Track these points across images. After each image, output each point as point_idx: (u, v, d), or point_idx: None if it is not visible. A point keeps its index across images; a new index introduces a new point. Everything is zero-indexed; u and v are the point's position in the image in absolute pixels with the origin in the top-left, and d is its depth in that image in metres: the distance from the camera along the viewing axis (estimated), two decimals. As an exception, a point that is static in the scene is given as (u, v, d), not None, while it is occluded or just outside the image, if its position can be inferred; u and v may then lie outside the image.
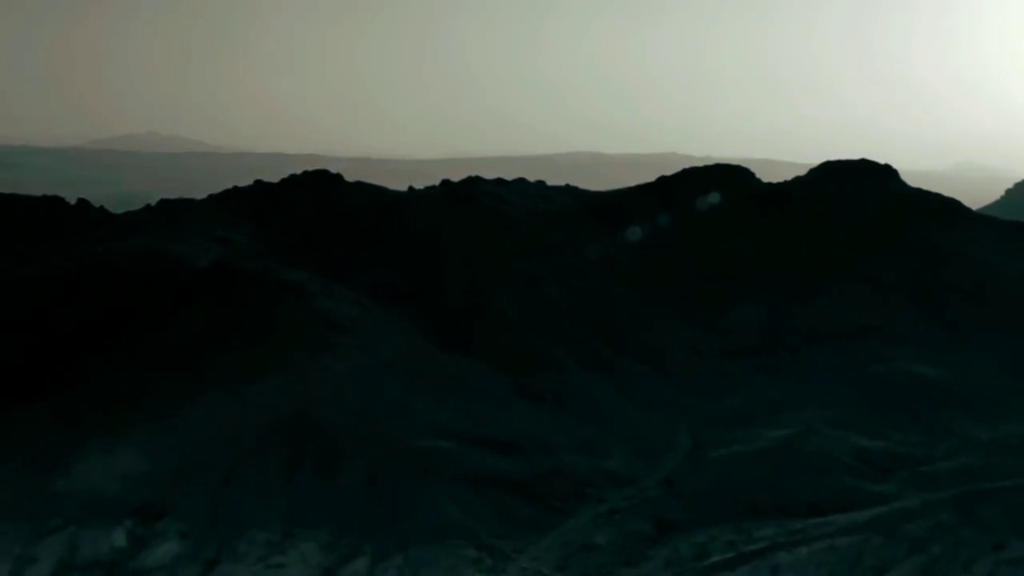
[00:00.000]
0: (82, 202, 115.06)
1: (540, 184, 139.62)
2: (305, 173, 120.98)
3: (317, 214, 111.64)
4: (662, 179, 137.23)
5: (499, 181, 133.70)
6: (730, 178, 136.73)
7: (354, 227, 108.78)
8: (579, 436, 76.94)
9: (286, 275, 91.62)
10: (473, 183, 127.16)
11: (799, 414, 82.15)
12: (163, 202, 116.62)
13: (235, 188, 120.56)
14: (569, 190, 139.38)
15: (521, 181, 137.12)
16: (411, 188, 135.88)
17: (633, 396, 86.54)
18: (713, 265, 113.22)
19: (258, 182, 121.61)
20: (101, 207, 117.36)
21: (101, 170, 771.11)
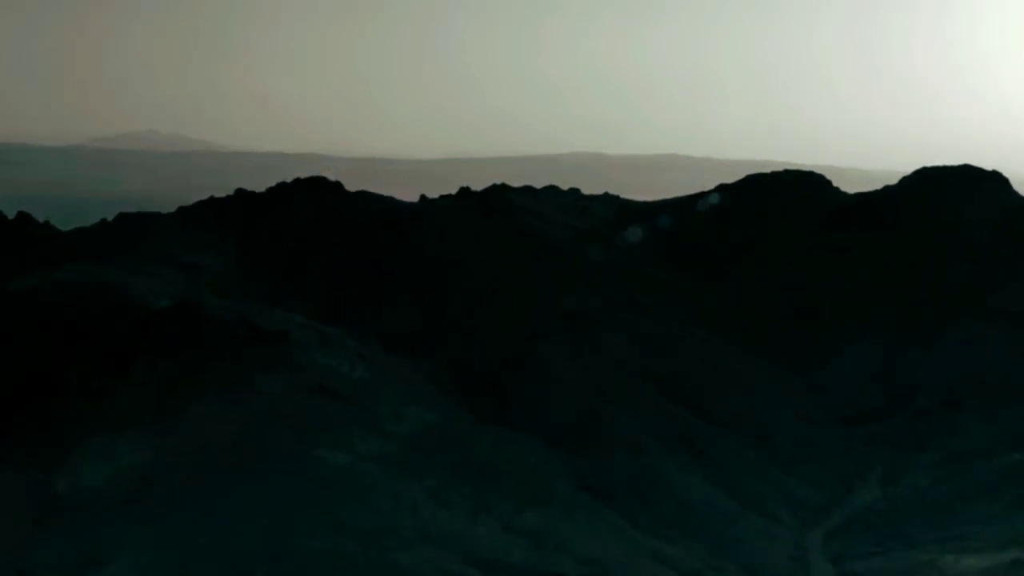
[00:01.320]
0: (22, 216, 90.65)
1: (574, 192, 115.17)
2: (298, 181, 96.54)
3: (311, 233, 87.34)
4: (722, 188, 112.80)
5: (527, 189, 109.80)
6: (801, 186, 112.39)
7: (357, 250, 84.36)
8: (677, 563, 52.92)
9: (268, 319, 67.09)
10: (498, 193, 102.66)
11: (971, 524, 58.12)
12: (121, 217, 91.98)
13: (211, 199, 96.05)
14: (609, 199, 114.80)
15: (553, 190, 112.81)
16: (423, 198, 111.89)
17: (733, 488, 62.31)
18: (803, 297, 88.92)
19: (240, 191, 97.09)
20: (46, 222, 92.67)
21: (100, 169, 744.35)
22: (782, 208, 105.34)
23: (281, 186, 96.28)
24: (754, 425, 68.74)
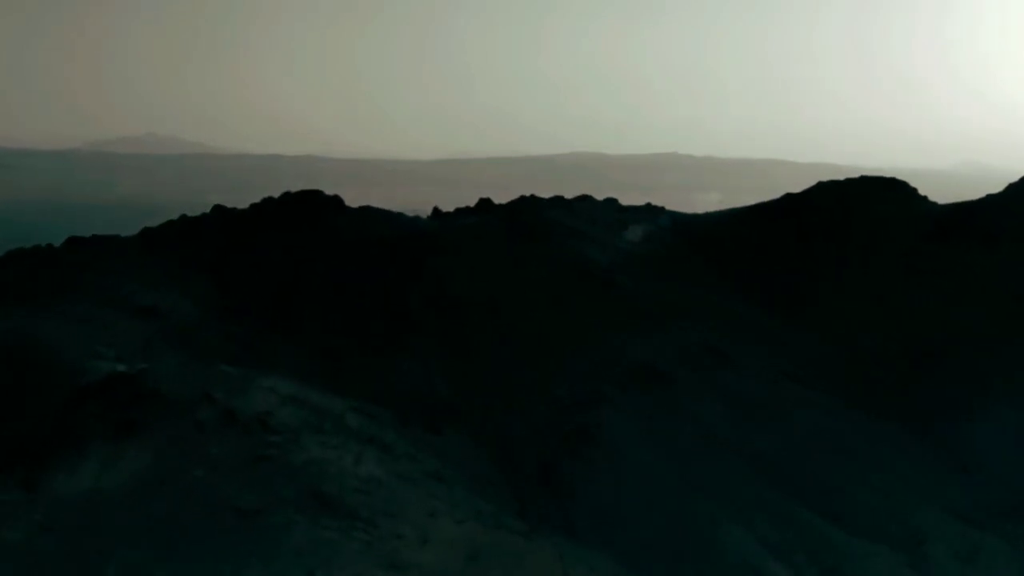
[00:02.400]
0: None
1: (610, 203, 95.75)
2: (287, 196, 76.99)
3: (304, 262, 68.12)
4: (789, 198, 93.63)
5: (558, 201, 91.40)
6: (883, 195, 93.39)
7: (361, 286, 65.24)
8: None
9: (243, 394, 48.14)
10: (529, 208, 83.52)
11: None
12: (71, 243, 72.66)
13: (183, 219, 76.78)
14: (653, 212, 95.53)
15: (587, 200, 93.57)
16: (437, 212, 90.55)
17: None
18: (914, 337, 70.00)
19: (218, 209, 77.70)
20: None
21: (97, 172, 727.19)
22: (866, 222, 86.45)
23: (267, 202, 76.44)
24: (902, 528, 49.76)
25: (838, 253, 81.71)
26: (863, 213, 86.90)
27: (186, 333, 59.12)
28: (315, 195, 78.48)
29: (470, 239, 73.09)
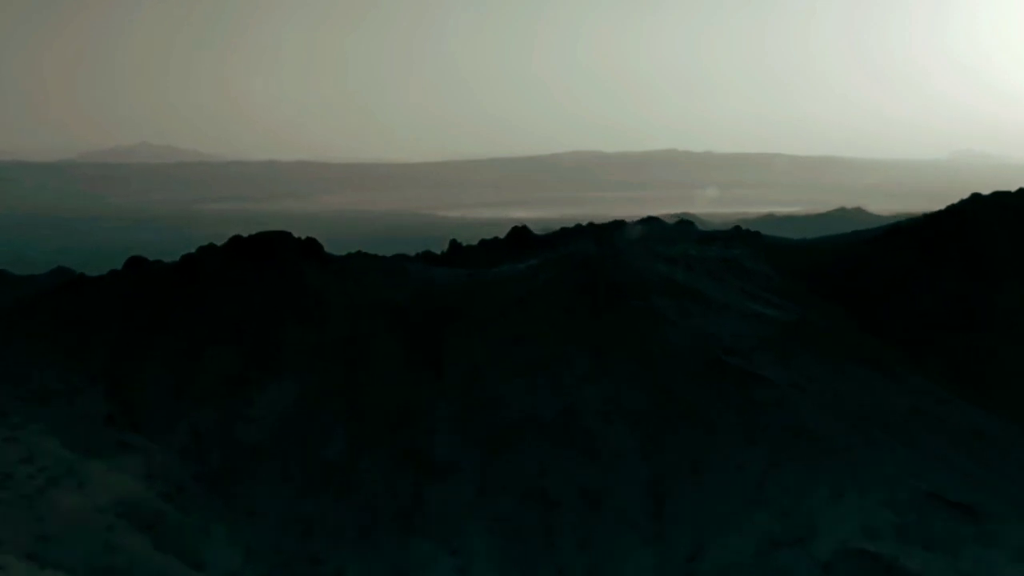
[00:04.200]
0: None
1: (686, 227, 76.53)
2: (238, 243, 53.25)
3: (260, 357, 46.15)
4: (928, 219, 70.36)
5: (615, 227, 70.83)
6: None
7: (354, 397, 44.73)
8: None
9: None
10: (593, 256, 57.29)
11: None
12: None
13: (81, 279, 53.96)
14: (745, 239, 72.24)
15: (655, 224, 74.84)
16: (454, 247, 70.57)
17: None
18: None
19: (135, 261, 54.46)
20: None
21: (91, 184, 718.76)
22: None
23: (209, 252, 52.54)
24: None
25: (990, 288, 59.96)
26: (1008, 237, 64.58)
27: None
28: (284, 240, 53.21)
29: (517, 311, 49.93)
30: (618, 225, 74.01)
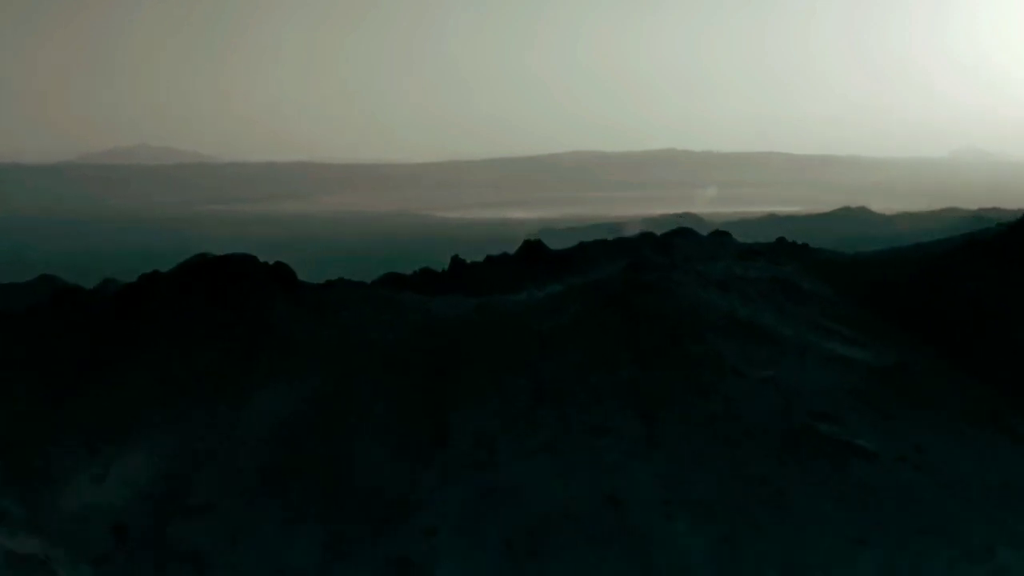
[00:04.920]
0: None
1: (721, 239, 62.76)
2: (187, 270, 42.45)
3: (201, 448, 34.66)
4: (1018, 228, 58.50)
5: (645, 242, 59.56)
6: None
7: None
8: None
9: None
10: (623, 274, 47.33)
11: None
12: None
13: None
14: (791, 252, 60.01)
15: (689, 237, 62.24)
16: (456, 263, 61.12)
17: None
18: None
19: (62, 294, 44.45)
20: None
21: (90, 186, 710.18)
22: None
23: (152, 283, 41.52)
24: None
25: None
26: None
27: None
28: (241, 268, 42.13)
29: (540, 359, 38.85)
30: (647, 238, 62.11)
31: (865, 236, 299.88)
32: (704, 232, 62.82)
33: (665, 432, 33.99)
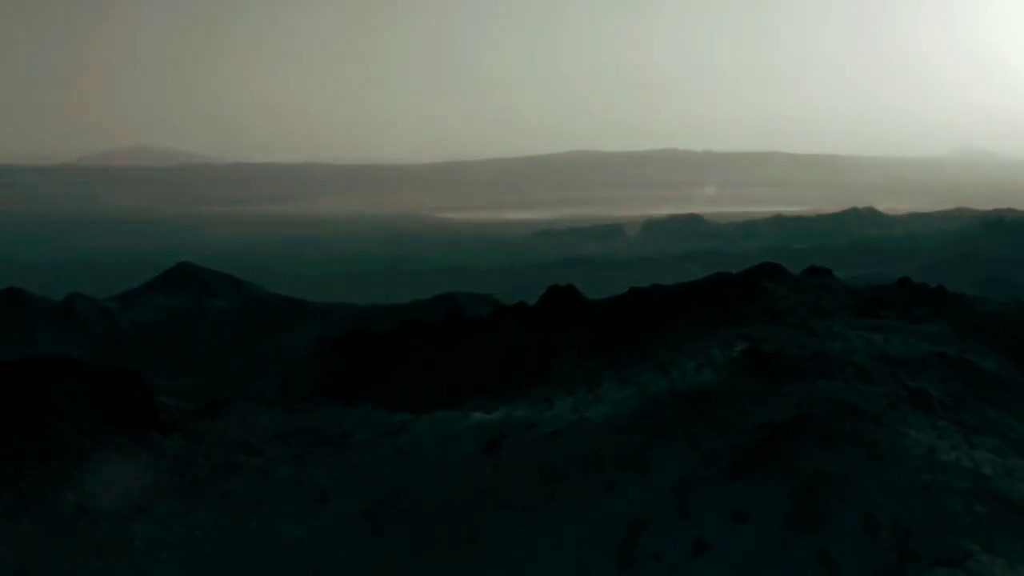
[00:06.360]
0: None
1: (820, 280, 46.79)
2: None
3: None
4: None
5: (745, 291, 41.20)
6: None
7: None
8: None
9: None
10: (680, 314, 44.31)
11: None
12: None
13: None
14: (920, 297, 45.27)
15: (783, 276, 45.73)
16: (452, 316, 51.12)
17: None
18: None
19: None
20: None
21: (89, 187, 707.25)
22: None
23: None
24: None
25: None
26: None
27: None
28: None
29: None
30: (722, 279, 45.79)
31: (877, 238, 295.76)
32: (795, 271, 47.43)
33: None
